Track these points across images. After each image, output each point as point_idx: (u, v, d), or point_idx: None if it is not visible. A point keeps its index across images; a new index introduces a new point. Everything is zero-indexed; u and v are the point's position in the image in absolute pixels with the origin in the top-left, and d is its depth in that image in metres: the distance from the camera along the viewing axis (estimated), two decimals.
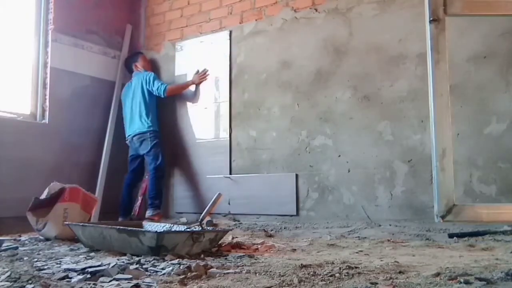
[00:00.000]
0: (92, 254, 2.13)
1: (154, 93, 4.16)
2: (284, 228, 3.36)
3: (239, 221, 3.77)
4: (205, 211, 2.47)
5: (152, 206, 4.01)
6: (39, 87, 3.95)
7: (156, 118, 4.22)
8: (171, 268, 1.67)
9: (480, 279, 1.43)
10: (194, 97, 4.30)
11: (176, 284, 1.46)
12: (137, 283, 1.45)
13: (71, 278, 1.52)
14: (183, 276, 1.55)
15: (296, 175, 3.61)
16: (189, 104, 4.29)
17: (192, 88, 4.28)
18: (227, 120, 4.02)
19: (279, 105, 3.76)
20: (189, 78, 4.32)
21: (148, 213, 3.97)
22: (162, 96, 4.15)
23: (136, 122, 4.17)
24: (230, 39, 4.08)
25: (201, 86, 4.25)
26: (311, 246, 2.47)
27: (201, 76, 4.21)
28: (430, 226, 2.91)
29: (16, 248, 2.32)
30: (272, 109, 3.81)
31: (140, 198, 4.35)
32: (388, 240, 2.65)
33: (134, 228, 2.27)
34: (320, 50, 3.60)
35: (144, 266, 1.74)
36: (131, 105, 4.24)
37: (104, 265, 1.69)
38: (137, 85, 4.24)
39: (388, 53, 3.32)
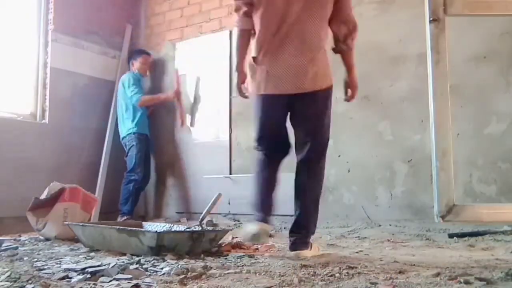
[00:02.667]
0: (92, 254, 2.13)
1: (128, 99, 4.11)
2: (284, 228, 3.36)
3: (239, 221, 3.77)
4: (205, 211, 2.47)
5: (120, 212, 4.01)
6: (39, 87, 3.95)
7: (137, 120, 4.11)
8: (171, 268, 1.67)
9: (480, 279, 1.43)
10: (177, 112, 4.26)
11: (176, 284, 1.46)
12: (137, 283, 1.45)
13: (71, 278, 1.52)
14: (183, 276, 1.55)
15: None
16: (188, 104, 4.29)
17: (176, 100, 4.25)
18: (227, 120, 4.02)
19: None
20: (189, 78, 4.32)
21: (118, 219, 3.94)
22: (135, 105, 4.09)
23: (120, 126, 4.20)
24: (230, 39, 4.08)
25: (201, 86, 4.24)
26: None
27: (177, 92, 4.19)
28: (430, 226, 2.91)
29: (16, 248, 2.32)
30: None
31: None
32: (388, 240, 2.65)
33: (134, 228, 2.27)
34: None
35: (144, 266, 1.74)
36: (119, 107, 4.24)
37: (104, 265, 1.69)
38: (120, 87, 4.22)
39: (388, 53, 3.32)
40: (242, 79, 2.33)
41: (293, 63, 2.15)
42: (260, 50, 2.20)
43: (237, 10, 2.27)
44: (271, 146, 2.32)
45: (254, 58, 2.22)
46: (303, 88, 2.15)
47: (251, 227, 2.14)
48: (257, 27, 2.22)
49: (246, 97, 2.37)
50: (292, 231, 2.21)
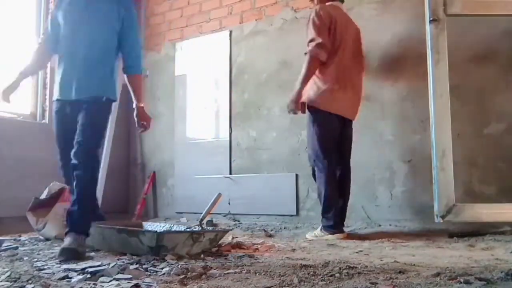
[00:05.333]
0: (92, 254, 2.13)
1: None
2: (284, 228, 3.36)
3: (239, 221, 3.77)
4: (205, 211, 2.47)
5: None
6: (39, 87, 3.95)
7: None
8: (171, 268, 1.67)
9: (480, 279, 1.43)
10: None
11: (176, 284, 1.46)
12: (137, 283, 1.45)
13: (71, 278, 1.53)
14: (183, 276, 1.55)
15: (296, 175, 3.61)
16: (188, 104, 4.29)
17: None
18: (227, 120, 4.02)
19: (279, 105, 3.75)
20: (189, 78, 4.32)
21: None
22: None
23: None
24: (230, 39, 4.08)
25: (201, 86, 4.24)
26: (311, 246, 2.47)
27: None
28: (430, 226, 2.91)
29: (16, 248, 2.32)
30: (272, 109, 3.81)
31: (142, 198, 4.36)
32: (388, 240, 2.65)
33: (134, 228, 2.27)
34: None
35: (144, 266, 1.74)
36: None
37: (104, 265, 1.69)
38: None
39: (388, 53, 3.32)
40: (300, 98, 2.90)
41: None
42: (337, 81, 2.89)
43: (322, 46, 2.81)
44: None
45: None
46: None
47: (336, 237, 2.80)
48: (333, 63, 2.88)
49: (296, 113, 2.95)
50: None
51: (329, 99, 2.88)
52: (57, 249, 2.32)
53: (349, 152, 3.05)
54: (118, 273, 1.58)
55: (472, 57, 3.00)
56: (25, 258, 1.98)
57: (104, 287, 1.42)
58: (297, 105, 2.89)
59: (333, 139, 2.93)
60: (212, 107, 4.13)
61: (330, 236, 2.82)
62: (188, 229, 2.39)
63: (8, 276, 1.51)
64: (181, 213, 4.18)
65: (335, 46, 2.90)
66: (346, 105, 2.95)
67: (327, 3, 3.01)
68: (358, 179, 3.33)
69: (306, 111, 2.97)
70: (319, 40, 2.82)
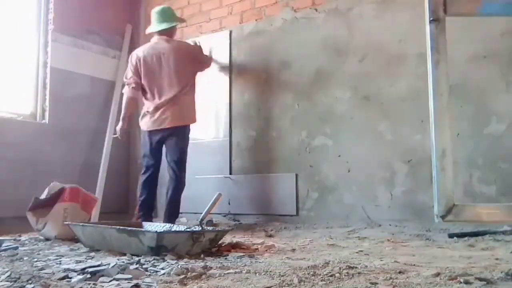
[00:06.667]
0: (92, 254, 2.13)
1: None
2: (284, 228, 3.37)
3: (239, 221, 3.77)
4: (205, 211, 2.47)
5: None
6: (39, 87, 3.95)
7: None
8: (171, 268, 1.67)
9: (480, 279, 1.43)
10: None
11: (176, 284, 1.46)
12: (137, 283, 1.45)
13: (71, 278, 1.52)
14: (183, 276, 1.55)
15: (296, 175, 3.61)
16: None
17: None
18: (227, 120, 4.02)
19: (279, 105, 3.76)
20: None
21: None
22: None
23: None
24: (230, 39, 4.08)
25: (201, 86, 4.24)
26: (311, 246, 2.47)
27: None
28: (430, 226, 2.91)
29: (16, 248, 2.32)
30: (272, 109, 3.81)
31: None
32: (388, 240, 2.65)
33: (134, 228, 2.27)
34: (320, 50, 3.60)
35: (144, 266, 1.74)
36: None
37: (104, 265, 1.69)
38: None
39: (388, 53, 3.32)
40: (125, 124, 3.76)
41: None
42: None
43: (129, 84, 3.69)
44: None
45: None
46: None
47: None
48: (150, 92, 3.65)
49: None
50: None
51: (145, 120, 3.62)
52: (57, 249, 2.33)
53: (176, 157, 3.61)
54: (118, 273, 1.57)
55: (472, 57, 3.00)
56: (25, 258, 1.97)
57: (104, 287, 1.42)
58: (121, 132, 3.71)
59: (146, 150, 3.69)
60: (212, 107, 4.13)
61: None
62: (188, 229, 2.39)
63: (8, 276, 1.51)
64: (181, 213, 4.18)
65: (149, 80, 3.58)
66: (159, 121, 3.55)
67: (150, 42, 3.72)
68: (358, 179, 3.34)
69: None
70: (127, 80, 3.66)
